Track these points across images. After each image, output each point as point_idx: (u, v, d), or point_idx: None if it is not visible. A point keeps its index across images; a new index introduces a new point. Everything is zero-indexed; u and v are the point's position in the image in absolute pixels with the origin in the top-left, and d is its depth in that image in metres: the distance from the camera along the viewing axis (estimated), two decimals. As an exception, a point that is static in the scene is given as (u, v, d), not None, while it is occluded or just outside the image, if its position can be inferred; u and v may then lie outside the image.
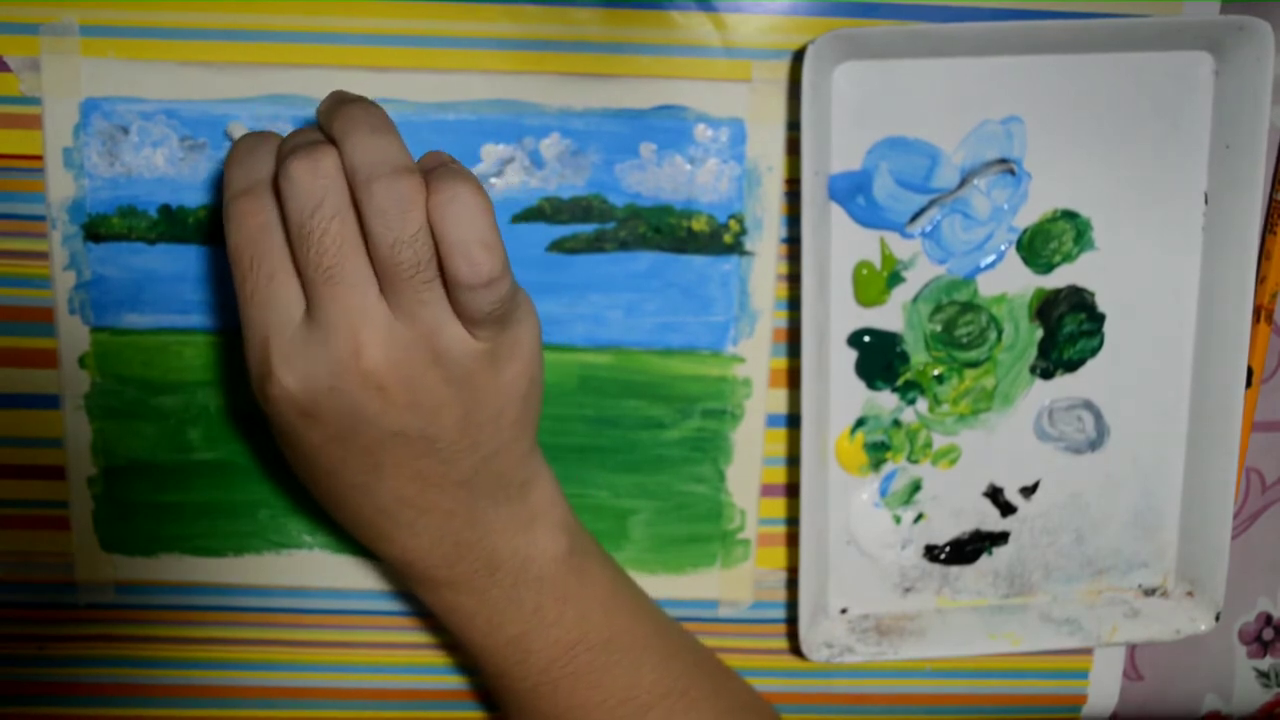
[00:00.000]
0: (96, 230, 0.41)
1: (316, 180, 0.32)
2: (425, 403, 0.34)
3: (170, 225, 0.41)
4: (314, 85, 0.40)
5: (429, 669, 0.46)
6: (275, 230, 0.33)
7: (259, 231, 0.33)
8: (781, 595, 0.46)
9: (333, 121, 0.33)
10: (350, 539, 0.44)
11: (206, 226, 0.41)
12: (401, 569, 0.39)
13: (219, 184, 0.40)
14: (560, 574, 0.39)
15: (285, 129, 0.40)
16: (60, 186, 0.40)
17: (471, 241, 0.32)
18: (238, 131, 0.40)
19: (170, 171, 0.40)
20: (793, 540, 0.46)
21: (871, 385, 0.44)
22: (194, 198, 0.41)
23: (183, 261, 0.41)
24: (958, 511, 0.45)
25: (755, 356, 0.43)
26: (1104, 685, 0.49)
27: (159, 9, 0.39)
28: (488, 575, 0.38)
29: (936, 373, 0.44)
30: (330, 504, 0.38)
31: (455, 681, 0.47)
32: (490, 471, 0.37)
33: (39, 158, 0.40)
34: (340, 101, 0.34)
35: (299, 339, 0.33)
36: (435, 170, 0.33)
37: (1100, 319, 0.44)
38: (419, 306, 0.33)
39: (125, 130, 0.40)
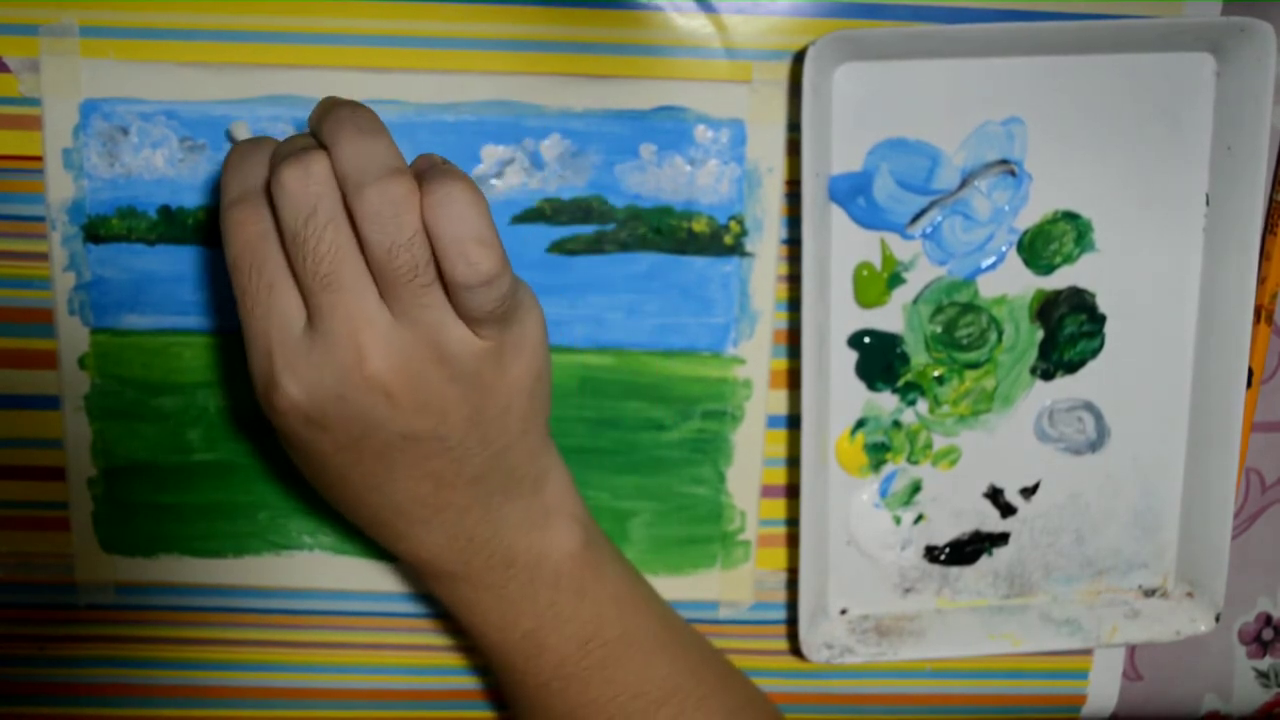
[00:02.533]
0: (96, 231, 0.41)
1: (308, 188, 0.32)
2: (433, 404, 0.34)
3: (170, 226, 0.41)
4: (313, 86, 0.40)
5: (430, 670, 0.46)
6: (272, 238, 0.33)
7: (256, 240, 0.33)
8: (781, 596, 0.46)
9: (322, 126, 0.33)
10: (350, 540, 0.44)
11: (206, 228, 0.41)
12: (417, 565, 0.39)
13: (218, 186, 0.40)
14: (575, 569, 0.39)
15: (285, 130, 0.40)
16: (60, 187, 0.40)
17: (468, 240, 0.31)
18: (240, 131, 0.39)
19: (170, 172, 0.40)
20: (793, 541, 0.46)
21: (872, 386, 0.44)
22: (193, 199, 0.41)
23: (182, 262, 0.41)
24: (958, 512, 0.45)
25: (755, 358, 0.43)
26: (1103, 686, 0.49)
27: (158, 10, 0.39)
28: (503, 570, 0.38)
29: (937, 374, 0.44)
30: (344, 507, 0.38)
31: (457, 682, 0.47)
32: (502, 467, 0.37)
33: (39, 159, 0.40)
34: (329, 106, 0.34)
35: (302, 348, 0.33)
36: (428, 171, 0.32)
37: (1101, 320, 0.44)
38: (420, 309, 0.33)
39: (125, 131, 0.40)
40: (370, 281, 0.33)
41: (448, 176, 0.32)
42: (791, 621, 0.46)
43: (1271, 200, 0.44)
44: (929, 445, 0.44)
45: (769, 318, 0.43)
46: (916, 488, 0.45)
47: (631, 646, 0.40)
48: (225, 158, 0.35)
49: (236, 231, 0.33)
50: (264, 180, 0.34)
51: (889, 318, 0.43)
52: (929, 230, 0.42)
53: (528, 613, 0.39)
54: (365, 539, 0.44)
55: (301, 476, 0.43)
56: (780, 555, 0.46)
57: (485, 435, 0.36)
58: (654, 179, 0.41)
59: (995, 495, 0.45)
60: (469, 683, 0.47)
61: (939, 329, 0.43)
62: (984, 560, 0.46)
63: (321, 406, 0.33)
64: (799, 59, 0.40)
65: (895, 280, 0.43)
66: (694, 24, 0.40)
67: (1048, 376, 0.44)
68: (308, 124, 0.36)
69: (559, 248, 0.42)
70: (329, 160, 0.32)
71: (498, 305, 0.33)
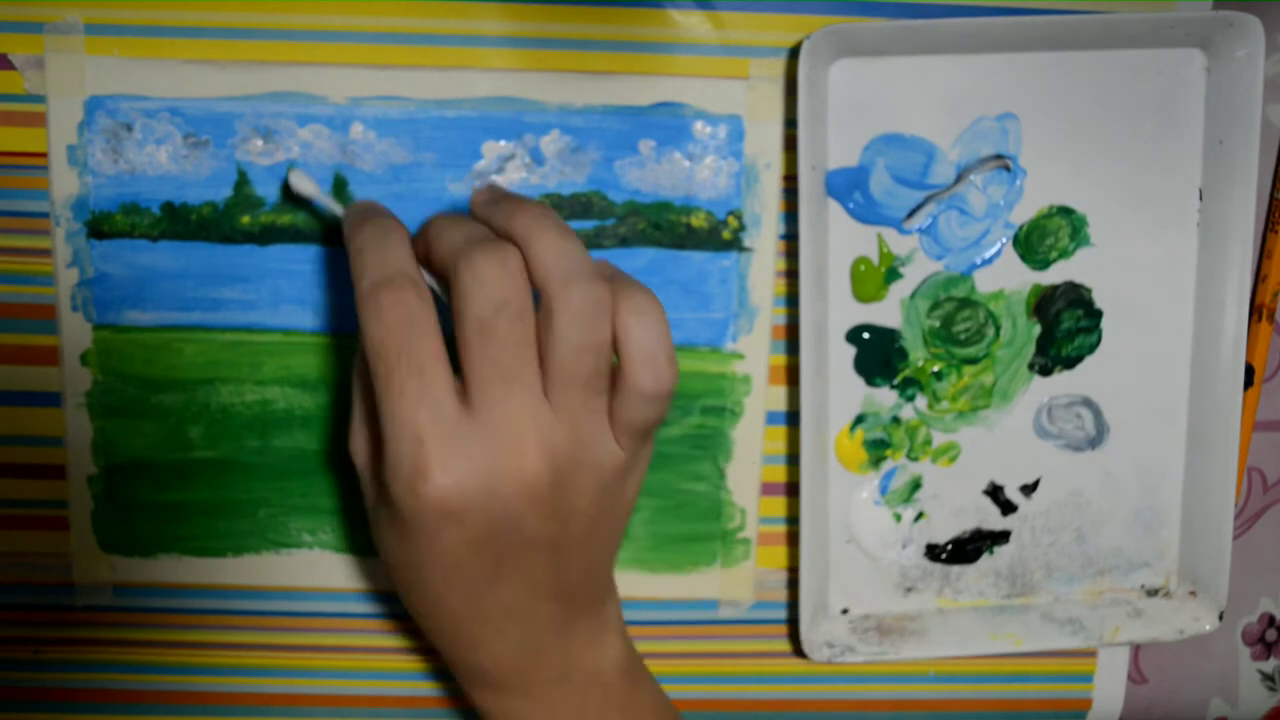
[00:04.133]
0: (99, 227, 0.41)
1: (506, 279, 0.32)
2: (565, 512, 0.34)
3: (173, 222, 0.41)
4: (317, 82, 0.40)
5: (432, 675, 0.46)
6: (424, 323, 0.32)
7: (406, 323, 0.32)
8: (782, 595, 0.46)
9: (510, 219, 0.34)
10: (351, 538, 0.44)
11: (209, 224, 0.41)
12: (472, 672, 0.38)
13: (222, 182, 0.41)
14: (621, 684, 0.39)
15: (289, 126, 0.40)
16: (64, 184, 0.41)
17: (659, 353, 0.33)
18: (301, 181, 0.39)
19: (174, 169, 0.41)
20: (793, 539, 0.45)
21: (870, 382, 0.44)
22: (197, 195, 0.41)
23: (185, 259, 0.41)
24: (958, 510, 0.45)
25: (754, 353, 0.43)
26: (1109, 689, 0.49)
27: (163, 7, 0.40)
28: (558, 685, 0.37)
29: (935, 369, 0.44)
30: (427, 606, 0.36)
31: (456, 687, 0.46)
32: (590, 582, 0.37)
33: (43, 155, 0.40)
34: (509, 199, 0.35)
35: (460, 437, 0.32)
36: (617, 277, 0.34)
37: (1098, 315, 0.44)
38: (584, 414, 0.33)
39: (129, 128, 0.40)
40: (540, 382, 0.33)
41: (641, 289, 0.33)
42: (792, 621, 0.46)
43: (1272, 197, 0.45)
44: (928, 441, 0.45)
45: (768, 313, 0.43)
46: (916, 485, 0.45)
47: None
48: (352, 236, 0.35)
49: (386, 313, 0.32)
50: (411, 264, 0.34)
51: (887, 313, 0.43)
52: (925, 225, 0.43)
53: None
54: (365, 539, 0.44)
55: (301, 477, 0.43)
56: (780, 554, 0.46)
57: (591, 549, 0.36)
58: (653, 175, 0.42)
59: (995, 492, 0.45)
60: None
61: (937, 324, 0.43)
62: (985, 559, 0.46)
63: (466, 499, 0.32)
64: (795, 55, 0.41)
65: (892, 275, 0.43)
66: (691, 21, 0.41)
67: (1046, 372, 0.44)
68: (471, 209, 0.37)
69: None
70: (520, 255, 0.33)
71: (659, 418, 0.34)
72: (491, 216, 0.35)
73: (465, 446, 0.32)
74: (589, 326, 0.32)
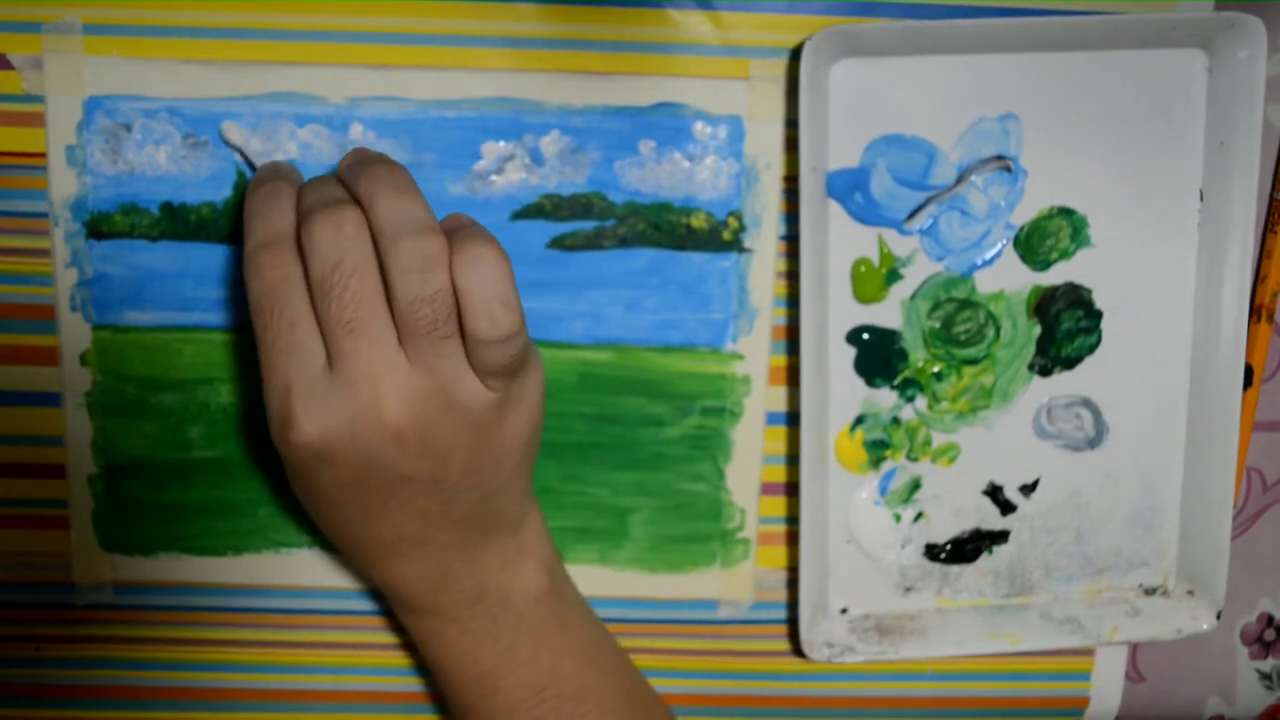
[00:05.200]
0: (99, 227, 0.41)
1: (339, 241, 0.34)
2: (437, 449, 0.36)
3: (172, 223, 0.41)
4: (316, 83, 0.40)
5: (429, 671, 0.46)
6: (297, 282, 0.35)
7: (280, 283, 0.35)
8: (782, 595, 0.46)
9: (358, 180, 0.35)
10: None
11: (208, 224, 0.41)
12: (389, 593, 0.40)
13: (221, 182, 0.41)
14: (539, 614, 0.40)
15: (287, 127, 0.40)
16: (63, 184, 0.41)
17: (493, 299, 0.34)
18: (231, 132, 0.40)
19: (172, 169, 0.41)
20: (793, 539, 0.45)
21: (870, 383, 0.44)
22: (196, 195, 0.41)
23: (184, 259, 0.41)
24: (957, 510, 0.45)
25: (754, 353, 0.43)
26: (1106, 688, 0.49)
27: (162, 8, 0.40)
28: (470, 606, 0.39)
29: (935, 370, 0.44)
30: (331, 533, 0.39)
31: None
32: (488, 510, 0.38)
33: (42, 155, 0.40)
34: (364, 161, 0.36)
35: (320, 388, 0.35)
36: (458, 231, 0.35)
37: (1098, 316, 0.44)
38: (437, 359, 0.35)
39: (128, 128, 0.40)
40: (392, 330, 0.35)
41: (477, 238, 0.34)
42: (792, 621, 0.46)
43: (1272, 198, 0.45)
44: (928, 442, 0.45)
45: (768, 314, 0.43)
46: (916, 485, 0.45)
47: (587, 704, 0.41)
48: (247, 200, 0.37)
49: (262, 274, 0.35)
50: (289, 226, 0.36)
51: (887, 313, 0.43)
52: (926, 226, 0.43)
53: (488, 651, 0.40)
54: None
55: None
56: (780, 554, 0.46)
57: (478, 480, 0.37)
58: (653, 175, 0.42)
59: (995, 492, 0.45)
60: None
61: (937, 325, 0.43)
62: (984, 559, 0.46)
63: (332, 445, 0.35)
64: (796, 55, 0.41)
65: (893, 276, 0.43)
66: (692, 21, 0.41)
67: (1045, 373, 0.44)
68: (337, 171, 0.38)
69: (558, 244, 0.42)
70: (360, 214, 0.34)
71: (512, 361, 0.35)
72: (348, 179, 0.36)
73: (327, 397, 0.34)
74: (420, 279, 0.33)
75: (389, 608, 0.45)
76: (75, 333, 0.42)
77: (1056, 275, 0.44)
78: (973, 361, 0.44)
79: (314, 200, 0.35)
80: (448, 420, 0.35)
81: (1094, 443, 0.45)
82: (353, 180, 0.36)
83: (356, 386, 0.34)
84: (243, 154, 0.41)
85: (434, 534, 0.38)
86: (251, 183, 0.38)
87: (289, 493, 0.43)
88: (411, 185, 0.35)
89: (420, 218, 0.34)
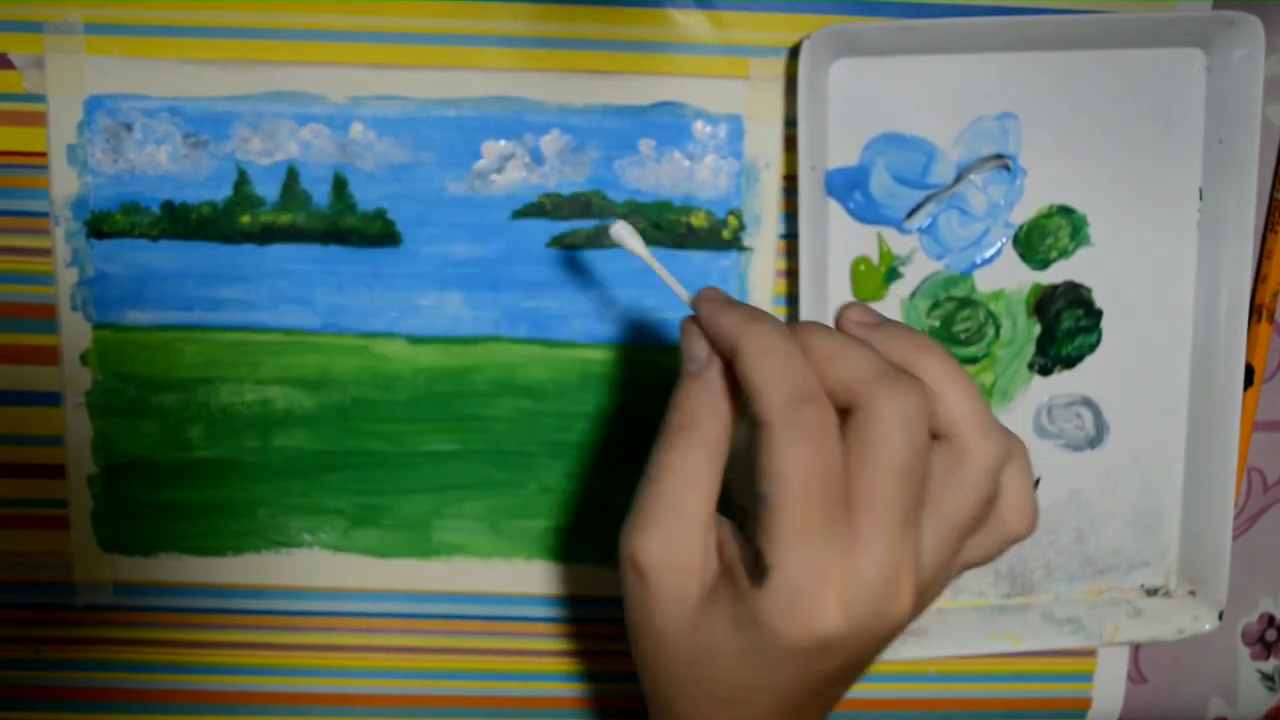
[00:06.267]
0: (99, 227, 0.41)
1: (925, 425, 0.30)
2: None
3: (173, 222, 0.41)
4: (316, 82, 0.40)
5: (430, 674, 0.46)
6: (841, 460, 0.30)
7: (836, 455, 0.30)
8: (782, 595, 0.46)
9: (919, 361, 0.32)
10: (350, 537, 0.44)
11: (209, 223, 0.41)
12: None
13: (221, 182, 0.41)
14: None
15: (288, 126, 0.40)
16: (64, 183, 0.41)
17: (1029, 500, 0.33)
18: (623, 233, 0.35)
19: (173, 168, 0.41)
20: (793, 539, 0.45)
21: (871, 382, 0.44)
22: (197, 194, 0.41)
23: (185, 258, 0.41)
24: (958, 509, 0.45)
25: (754, 353, 0.43)
26: (1108, 689, 0.48)
27: (162, 7, 0.40)
28: None
29: (935, 369, 0.44)
30: (698, 705, 0.34)
31: (458, 687, 0.46)
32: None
33: (43, 154, 0.41)
34: (907, 332, 0.33)
35: (858, 579, 0.30)
36: (1000, 430, 0.33)
37: (1098, 315, 0.44)
38: (952, 555, 0.32)
39: (129, 127, 0.40)
40: None
41: (1020, 441, 0.33)
42: (792, 621, 0.46)
43: (1272, 198, 0.45)
44: (928, 441, 0.44)
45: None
46: (916, 484, 0.45)
47: None
48: (742, 334, 0.31)
49: (814, 436, 0.30)
50: (817, 384, 0.31)
51: (887, 312, 0.43)
52: (925, 225, 0.43)
53: None
54: (363, 538, 0.44)
55: (301, 477, 0.43)
56: (781, 554, 0.46)
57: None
58: (653, 174, 0.42)
59: (995, 492, 0.45)
60: (470, 688, 0.46)
61: (936, 323, 0.43)
62: (985, 559, 0.46)
63: (848, 639, 0.31)
64: (795, 54, 0.41)
65: (892, 275, 0.43)
66: (691, 20, 0.41)
67: (1045, 372, 0.44)
68: (851, 330, 0.34)
69: (559, 242, 0.42)
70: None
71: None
72: (887, 348, 0.32)
73: (859, 589, 0.30)
74: (991, 480, 0.32)
75: (388, 607, 0.45)
76: (76, 332, 0.42)
77: (1056, 274, 0.44)
78: (972, 360, 0.44)
79: (877, 368, 0.31)
80: (911, 616, 0.32)
81: (1094, 442, 0.45)
82: (901, 355, 0.32)
83: (891, 580, 0.30)
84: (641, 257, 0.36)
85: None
86: (723, 306, 0.33)
87: (289, 492, 0.44)
88: (967, 374, 0.33)
89: (993, 418, 0.32)
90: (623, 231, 0.35)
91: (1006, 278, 0.44)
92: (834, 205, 0.42)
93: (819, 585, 0.30)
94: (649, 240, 0.42)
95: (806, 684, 0.32)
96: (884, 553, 0.30)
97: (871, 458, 0.30)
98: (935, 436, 0.32)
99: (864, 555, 0.30)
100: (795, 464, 0.29)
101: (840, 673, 0.32)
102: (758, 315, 0.32)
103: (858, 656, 0.32)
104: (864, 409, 0.30)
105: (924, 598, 0.33)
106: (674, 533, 0.32)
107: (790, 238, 0.43)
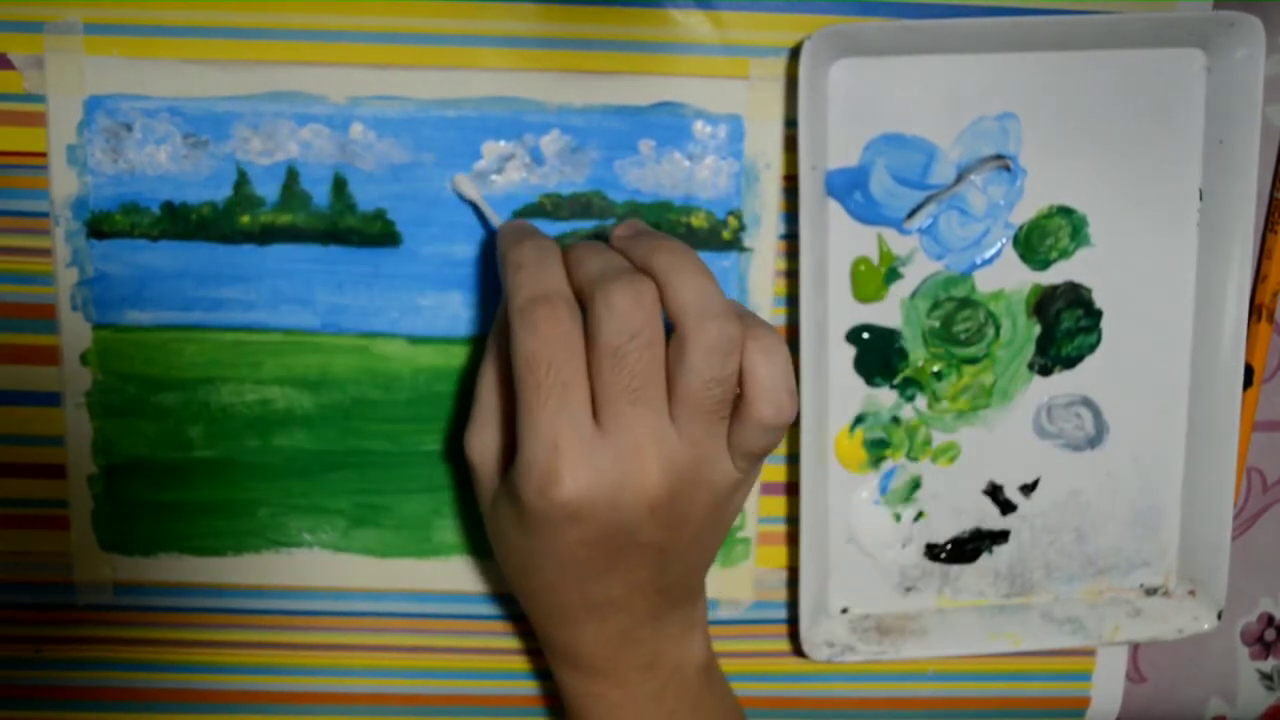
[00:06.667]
0: (99, 227, 0.41)
1: (639, 311, 0.34)
2: (677, 522, 0.37)
3: (173, 222, 0.41)
4: (316, 82, 0.40)
5: (430, 673, 0.46)
6: (577, 342, 0.35)
7: (560, 340, 0.34)
8: (782, 595, 0.46)
9: (651, 255, 0.36)
10: (350, 537, 0.44)
11: (209, 224, 0.41)
12: (564, 651, 0.40)
13: (221, 182, 0.41)
14: (699, 682, 0.41)
15: (288, 126, 0.40)
16: (64, 183, 0.41)
17: (781, 388, 0.35)
18: (467, 188, 0.41)
19: (173, 168, 0.41)
20: (793, 539, 0.45)
21: (870, 382, 0.44)
22: (196, 194, 0.41)
23: (185, 258, 0.41)
24: (958, 509, 0.45)
25: (754, 353, 0.43)
26: (1107, 688, 0.49)
27: (162, 7, 0.40)
28: (643, 672, 0.40)
29: (935, 369, 0.44)
30: (535, 590, 0.39)
31: (458, 686, 0.46)
32: (687, 582, 0.40)
33: (43, 155, 0.40)
34: (653, 236, 0.37)
35: (590, 449, 0.34)
36: (745, 316, 0.36)
37: (1098, 315, 0.44)
38: (706, 437, 0.36)
39: (129, 127, 0.40)
40: (666, 403, 0.35)
41: (768, 327, 0.36)
42: (792, 621, 0.46)
43: (1272, 197, 0.45)
44: (928, 441, 0.45)
45: (767, 313, 0.43)
46: (916, 484, 0.45)
47: None
48: (510, 252, 0.36)
49: (540, 328, 0.34)
50: (564, 285, 0.36)
51: (887, 313, 0.43)
52: (926, 225, 0.43)
53: (649, 717, 0.40)
54: (363, 538, 0.44)
55: (301, 476, 0.43)
56: (780, 554, 0.46)
57: (695, 553, 0.39)
58: (653, 174, 0.42)
59: (995, 492, 0.45)
60: (470, 687, 0.46)
61: (937, 324, 0.43)
62: (985, 559, 0.46)
63: (591, 506, 0.35)
64: (795, 54, 0.41)
65: (892, 275, 0.43)
66: (691, 20, 0.41)
67: (1045, 372, 0.44)
68: (612, 241, 0.38)
69: (559, 243, 0.42)
70: (655, 288, 0.35)
71: (776, 445, 0.37)
72: (631, 249, 0.37)
73: (595, 459, 0.34)
74: (720, 361, 0.34)
75: (389, 607, 0.45)
76: (76, 332, 0.42)
77: (1056, 274, 0.44)
78: (972, 360, 0.44)
79: (603, 266, 0.35)
80: (695, 495, 0.36)
81: (1094, 442, 0.45)
82: (642, 255, 0.36)
83: (627, 453, 0.35)
84: (477, 207, 0.41)
85: (636, 600, 0.38)
86: (509, 234, 0.38)
87: (289, 492, 0.44)
88: (707, 267, 0.36)
89: (724, 302, 0.35)
90: (463, 183, 0.41)
91: (1006, 278, 0.44)
92: (834, 205, 0.42)
93: (550, 455, 0.34)
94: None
95: (581, 550, 0.36)
96: (611, 427, 0.35)
97: (591, 344, 0.34)
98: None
99: (596, 429, 0.35)
100: (522, 351, 0.34)
101: (616, 539, 0.36)
102: (522, 238, 0.37)
103: (620, 523, 0.36)
104: (589, 305, 0.35)
105: (689, 477, 0.36)
106: (486, 429, 0.38)
107: (790, 238, 0.43)
